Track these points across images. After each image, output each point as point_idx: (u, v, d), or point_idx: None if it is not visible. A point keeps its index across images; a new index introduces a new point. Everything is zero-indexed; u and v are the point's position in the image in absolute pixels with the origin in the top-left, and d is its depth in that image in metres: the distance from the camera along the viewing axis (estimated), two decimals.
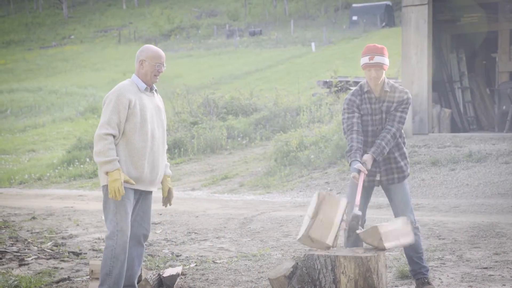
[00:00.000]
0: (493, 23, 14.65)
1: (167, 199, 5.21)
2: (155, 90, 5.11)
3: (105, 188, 4.81)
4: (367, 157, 5.07)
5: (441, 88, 14.82)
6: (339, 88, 17.51)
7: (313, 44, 37.79)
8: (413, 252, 5.18)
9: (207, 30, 51.84)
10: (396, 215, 5.25)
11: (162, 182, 5.13)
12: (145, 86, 4.97)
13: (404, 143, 5.34)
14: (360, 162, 5.03)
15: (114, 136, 4.75)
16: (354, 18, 43.97)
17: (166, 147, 5.11)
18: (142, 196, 5.01)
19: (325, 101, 17.14)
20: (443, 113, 14.20)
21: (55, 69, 40.91)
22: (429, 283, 5.18)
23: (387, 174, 5.23)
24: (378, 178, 5.21)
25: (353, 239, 4.95)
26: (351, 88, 17.29)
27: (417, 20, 13.23)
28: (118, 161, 4.74)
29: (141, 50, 5.04)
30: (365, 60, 5.08)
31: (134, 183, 4.80)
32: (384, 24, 42.21)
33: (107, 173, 4.70)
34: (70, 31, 58.55)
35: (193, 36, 50.31)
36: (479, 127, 15.05)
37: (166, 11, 60.33)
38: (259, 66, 33.77)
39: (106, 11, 66.35)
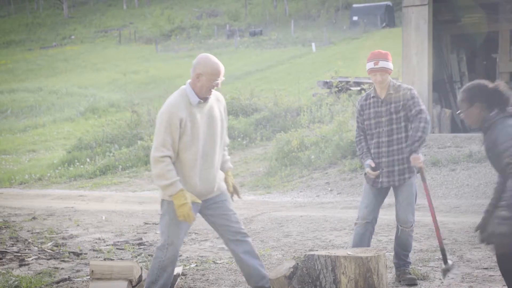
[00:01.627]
0: (494, 23, 14.65)
1: (234, 193, 5.04)
2: (211, 96, 4.81)
3: (164, 202, 4.77)
4: (411, 156, 5.23)
5: (441, 88, 14.82)
6: (340, 88, 17.51)
7: (313, 44, 37.80)
8: (402, 250, 5.53)
9: (207, 30, 51.85)
10: (397, 212, 5.48)
11: (225, 179, 4.98)
12: (198, 100, 4.67)
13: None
14: (371, 159, 5.41)
15: (170, 157, 4.61)
16: (355, 18, 43.98)
17: (226, 142, 4.95)
18: (208, 203, 4.85)
19: (325, 101, 17.14)
20: (444, 114, 14.20)
21: (56, 69, 40.92)
22: (410, 273, 5.50)
23: (388, 176, 5.42)
24: (380, 179, 5.40)
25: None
26: (351, 88, 17.30)
27: (418, 21, 13.23)
28: (181, 170, 4.65)
29: (198, 62, 4.69)
30: (370, 65, 5.37)
31: (199, 201, 4.72)
32: (384, 24, 42.21)
33: (170, 196, 4.61)
34: (71, 31, 58.57)
35: (193, 36, 50.32)
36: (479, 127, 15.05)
37: (166, 11, 60.35)
38: (260, 67, 33.77)
39: (106, 12, 66.37)
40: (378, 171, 5.40)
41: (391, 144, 5.38)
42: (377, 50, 5.51)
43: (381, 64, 5.31)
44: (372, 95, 5.46)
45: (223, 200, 4.89)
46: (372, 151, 5.45)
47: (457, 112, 4.44)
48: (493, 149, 4.11)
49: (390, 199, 5.76)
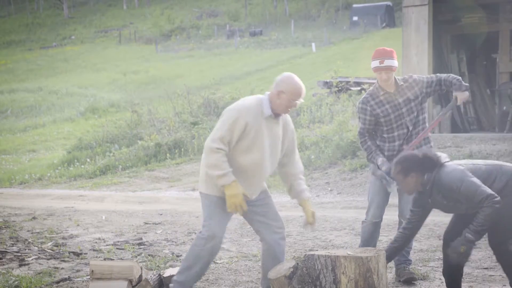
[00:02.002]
0: (494, 23, 14.65)
1: (310, 223, 5.02)
2: (283, 118, 4.90)
3: (203, 196, 4.85)
4: (464, 92, 5.39)
5: None
6: (340, 88, 17.51)
7: (313, 44, 37.82)
8: None
9: (207, 30, 51.87)
10: (400, 207, 5.55)
11: (303, 207, 5.00)
12: (270, 113, 4.75)
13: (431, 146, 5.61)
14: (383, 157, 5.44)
15: (225, 152, 4.68)
16: (355, 18, 43.99)
17: (301, 170, 5.01)
18: (251, 204, 4.88)
19: (325, 101, 17.14)
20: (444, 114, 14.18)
21: (56, 69, 40.93)
22: (409, 270, 5.49)
23: None
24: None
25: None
26: (351, 88, 17.29)
27: (418, 21, 13.23)
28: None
29: (282, 80, 4.78)
30: (375, 63, 5.40)
31: (250, 197, 4.78)
32: (384, 24, 42.22)
33: (223, 186, 4.65)
34: (71, 32, 58.58)
35: (193, 37, 50.34)
36: (479, 127, 15.05)
37: (166, 11, 60.37)
38: (260, 67, 33.78)
39: (106, 12, 66.39)
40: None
41: (417, 126, 5.48)
42: (382, 47, 5.52)
43: (387, 62, 5.34)
44: (381, 93, 5.47)
45: (266, 197, 4.98)
46: (396, 143, 5.46)
47: (395, 185, 4.72)
48: (452, 197, 4.56)
49: (390, 199, 5.75)
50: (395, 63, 5.40)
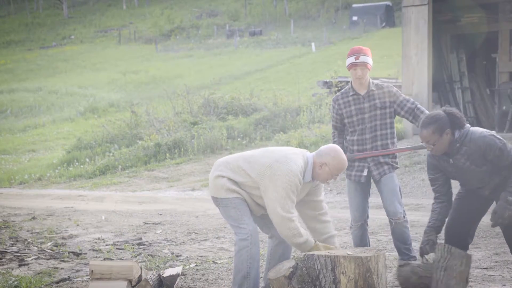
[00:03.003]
0: (493, 23, 14.65)
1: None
2: (319, 184, 4.98)
3: (225, 201, 4.84)
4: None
5: (441, 88, 14.82)
6: (339, 88, 17.50)
7: (313, 44, 37.80)
8: (401, 244, 5.48)
9: (207, 30, 51.84)
10: (385, 206, 5.47)
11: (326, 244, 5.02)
12: (310, 179, 4.82)
13: (395, 142, 5.58)
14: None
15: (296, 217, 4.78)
16: (354, 18, 43.97)
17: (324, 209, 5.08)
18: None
19: (325, 101, 17.14)
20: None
21: (55, 69, 40.91)
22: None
23: (377, 168, 5.40)
24: (365, 173, 5.41)
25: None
26: None
27: (417, 20, 13.22)
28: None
29: (329, 153, 4.78)
30: (351, 60, 5.39)
31: (331, 247, 4.84)
32: (384, 24, 42.21)
33: (305, 251, 4.75)
34: (70, 31, 58.55)
35: (193, 36, 50.31)
36: (479, 127, 15.05)
37: (166, 11, 60.34)
38: (259, 66, 33.76)
39: (106, 11, 66.35)
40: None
41: (374, 140, 5.40)
42: (357, 46, 5.53)
43: (362, 58, 5.31)
44: (351, 93, 5.44)
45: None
46: (355, 147, 5.45)
47: (425, 147, 4.70)
48: (477, 158, 4.63)
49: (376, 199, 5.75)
50: (370, 61, 5.37)
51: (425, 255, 4.79)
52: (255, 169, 4.74)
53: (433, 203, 5.00)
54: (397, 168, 5.58)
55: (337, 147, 4.84)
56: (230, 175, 4.80)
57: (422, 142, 4.75)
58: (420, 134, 4.67)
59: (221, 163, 4.94)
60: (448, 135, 4.64)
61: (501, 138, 4.67)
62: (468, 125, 4.72)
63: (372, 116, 5.38)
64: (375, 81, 5.52)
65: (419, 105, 5.47)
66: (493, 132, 4.76)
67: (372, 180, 5.55)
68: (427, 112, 5.40)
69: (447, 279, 4.49)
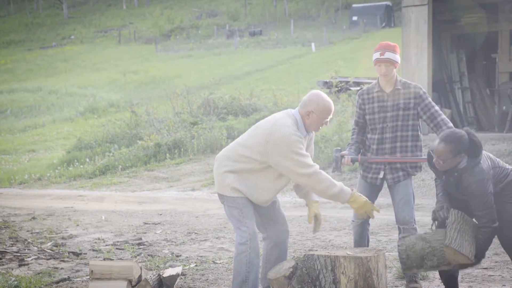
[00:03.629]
0: (493, 23, 14.64)
1: (315, 225, 5.03)
2: (313, 135, 4.95)
3: (226, 197, 4.81)
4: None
5: (441, 88, 14.81)
6: (339, 88, 17.51)
7: (313, 44, 37.81)
8: None
9: (207, 30, 51.85)
10: (396, 213, 5.33)
11: (308, 207, 5.02)
12: (306, 133, 4.79)
13: (418, 145, 5.42)
14: (351, 153, 5.36)
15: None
16: (354, 18, 43.99)
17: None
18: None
19: None
20: (443, 113, 14.19)
21: (55, 69, 40.92)
22: (416, 281, 5.29)
23: (392, 172, 5.28)
24: (381, 176, 5.28)
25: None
26: (351, 88, 17.30)
27: (417, 21, 13.22)
28: (256, 184, 4.73)
29: (311, 100, 4.75)
30: (376, 55, 5.22)
31: (379, 211, 4.84)
32: (384, 24, 42.22)
33: (345, 201, 4.68)
34: (70, 31, 58.55)
35: (193, 36, 50.32)
36: (479, 127, 15.04)
37: (166, 11, 60.35)
38: (259, 67, 33.77)
39: (106, 11, 66.36)
40: (348, 159, 5.31)
41: (394, 141, 5.25)
42: (386, 41, 5.36)
43: (387, 55, 5.15)
44: (376, 89, 5.29)
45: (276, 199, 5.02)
46: (374, 146, 5.30)
47: (434, 160, 4.61)
48: (463, 194, 4.63)
49: (388, 199, 5.74)
50: (396, 57, 5.20)
51: (435, 223, 4.80)
52: (256, 151, 4.67)
53: (435, 178, 4.99)
54: (414, 175, 5.42)
55: (318, 92, 4.81)
56: (237, 167, 4.72)
57: (433, 152, 4.65)
58: (436, 147, 4.55)
59: (223, 157, 4.84)
60: (460, 159, 4.57)
61: (490, 190, 4.56)
62: (480, 156, 4.62)
63: (394, 116, 5.23)
64: (403, 80, 5.34)
65: (443, 116, 5.31)
66: (491, 172, 4.65)
67: (385, 183, 5.43)
68: (450, 124, 5.25)
69: (461, 240, 4.51)
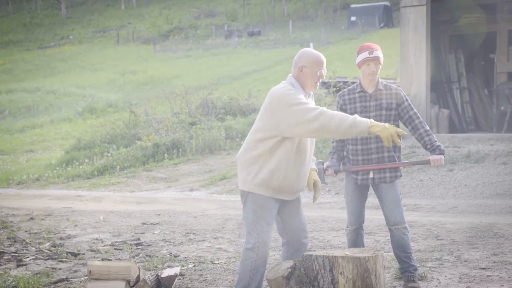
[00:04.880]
0: (492, 24, 14.67)
1: (315, 193, 4.83)
2: (312, 96, 4.70)
3: (248, 196, 4.55)
4: (440, 157, 5.17)
5: (439, 88, 14.83)
6: (338, 88, 17.52)
7: (311, 44, 37.80)
8: (401, 252, 5.33)
9: (205, 30, 51.86)
10: (386, 215, 5.34)
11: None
12: (305, 93, 4.57)
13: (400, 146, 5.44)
14: (333, 164, 5.37)
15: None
16: (353, 18, 44.02)
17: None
18: (285, 203, 4.73)
19: (323, 101, 17.15)
20: (442, 114, 14.21)
21: (54, 69, 40.91)
22: (414, 281, 5.29)
23: (380, 172, 5.31)
24: (371, 175, 5.30)
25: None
26: None
27: (416, 21, 13.24)
28: (279, 163, 4.43)
29: (300, 56, 4.61)
30: (365, 55, 5.24)
31: (405, 133, 4.47)
32: (382, 24, 42.25)
33: (364, 132, 4.33)
34: (69, 32, 58.54)
35: (191, 37, 50.33)
36: (477, 127, 15.07)
37: (164, 11, 60.35)
38: (258, 67, 33.77)
39: (104, 12, 66.35)
40: (331, 171, 5.30)
41: (380, 140, 5.24)
42: (367, 43, 5.40)
43: (376, 53, 5.20)
44: (358, 90, 5.33)
45: (298, 199, 4.80)
46: (359, 147, 5.31)
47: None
48: None
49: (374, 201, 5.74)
50: (382, 56, 5.27)
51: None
52: (266, 128, 4.49)
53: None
54: (401, 176, 5.41)
55: (306, 48, 4.71)
56: (256, 153, 4.51)
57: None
58: None
59: (242, 153, 4.61)
60: None
61: None
62: None
63: (378, 116, 5.25)
64: (384, 82, 5.39)
65: (421, 118, 5.32)
66: None
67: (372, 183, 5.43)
68: (427, 127, 5.27)
69: None
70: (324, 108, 4.46)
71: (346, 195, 5.48)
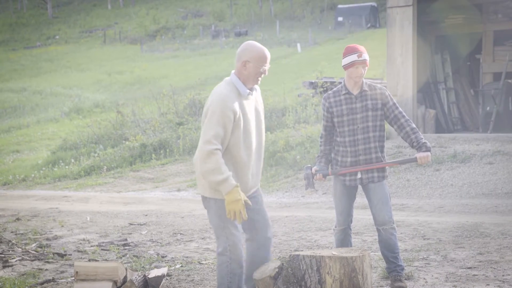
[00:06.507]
0: (477, 24, 14.76)
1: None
2: (255, 88, 4.63)
3: (211, 201, 4.52)
4: (426, 154, 5.19)
5: (426, 89, 14.90)
6: (325, 88, 17.55)
7: (298, 45, 37.86)
8: (388, 252, 5.34)
9: (192, 30, 51.76)
10: (374, 214, 5.34)
11: None
12: (247, 91, 4.49)
13: (384, 145, 5.47)
14: (322, 168, 5.35)
15: (220, 151, 4.35)
16: (340, 19, 44.11)
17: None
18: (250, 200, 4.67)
19: (310, 101, 17.18)
20: (428, 114, 14.28)
21: (40, 69, 40.67)
22: (401, 281, 5.31)
23: (367, 172, 5.32)
24: (359, 176, 5.31)
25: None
26: None
27: (402, 21, 13.29)
28: (232, 166, 4.42)
29: (244, 49, 4.49)
30: (353, 57, 5.21)
31: (251, 204, 4.52)
32: (369, 25, 42.37)
33: (225, 193, 4.34)
34: (55, 31, 58.23)
35: (178, 37, 50.21)
36: (463, 127, 15.15)
37: (151, 11, 60.17)
38: None
39: (91, 11, 66.06)
40: (319, 175, 5.30)
41: (367, 142, 5.27)
42: (353, 44, 5.38)
43: (364, 56, 5.19)
44: (343, 92, 5.33)
45: (259, 195, 4.80)
46: (348, 149, 5.30)
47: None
48: None
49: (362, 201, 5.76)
50: (368, 58, 5.26)
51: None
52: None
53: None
54: (387, 176, 5.43)
55: (250, 41, 4.60)
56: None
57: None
58: None
59: (196, 157, 4.60)
60: None
61: None
62: None
63: (364, 117, 5.26)
64: (368, 82, 5.40)
65: (407, 117, 5.33)
66: None
67: (360, 183, 5.43)
68: (413, 125, 5.28)
69: None
70: (216, 150, 4.34)
71: (334, 195, 5.48)
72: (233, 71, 4.59)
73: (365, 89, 5.31)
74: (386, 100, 5.32)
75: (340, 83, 17.54)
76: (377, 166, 5.30)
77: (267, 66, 4.51)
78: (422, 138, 5.27)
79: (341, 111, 5.31)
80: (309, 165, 5.42)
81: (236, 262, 4.58)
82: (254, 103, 4.62)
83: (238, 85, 4.51)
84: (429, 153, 5.21)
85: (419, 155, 5.20)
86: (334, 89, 5.47)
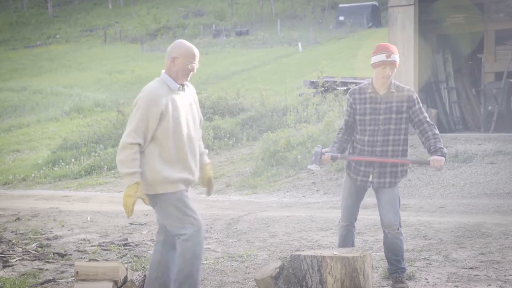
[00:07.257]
0: (479, 23, 14.73)
1: (209, 188, 4.99)
2: (187, 85, 4.80)
3: (157, 197, 4.67)
4: (440, 158, 5.10)
5: (427, 88, 14.87)
6: (326, 88, 17.52)
7: (299, 44, 37.85)
8: (392, 255, 5.32)
9: (193, 29, 51.77)
10: (381, 216, 5.31)
11: (201, 172, 4.89)
12: (177, 85, 4.66)
13: (407, 149, 5.37)
14: (332, 151, 5.29)
15: (139, 145, 4.53)
16: (341, 18, 44.10)
17: (200, 134, 4.89)
18: None
19: (311, 101, 17.15)
20: (429, 113, 14.25)
21: (40, 68, 40.67)
22: (402, 281, 5.29)
23: (379, 177, 5.24)
24: (370, 179, 5.24)
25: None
26: (337, 88, 17.31)
27: (403, 21, 13.26)
28: (140, 173, 4.54)
29: (173, 46, 4.67)
30: (381, 57, 5.11)
31: (148, 203, 4.69)
32: (370, 24, 42.35)
33: (127, 186, 4.54)
34: (56, 31, 58.24)
35: (179, 36, 50.16)
36: (465, 127, 15.12)
37: (152, 10, 60.19)
38: (246, 66, 33.74)
39: (91, 11, 66.07)
40: (328, 156, 5.24)
41: (386, 144, 5.18)
42: (385, 43, 5.29)
43: (393, 57, 5.08)
44: (369, 90, 5.21)
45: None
46: (365, 148, 5.21)
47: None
48: None
49: (375, 199, 5.73)
50: (398, 59, 5.15)
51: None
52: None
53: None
54: (404, 176, 5.36)
55: (180, 40, 4.77)
56: (145, 157, 4.61)
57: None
58: None
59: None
60: None
61: None
62: None
63: (387, 119, 5.16)
64: (397, 83, 5.27)
65: (430, 121, 5.25)
66: None
67: (371, 186, 5.37)
68: (436, 131, 5.20)
69: None
70: (135, 147, 4.52)
71: (343, 190, 5.44)
72: (163, 70, 4.75)
73: (392, 90, 5.19)
74: (412, 103, 5.20)
75: (341, 82, 17.57)
76: (388, 160, 5.22)
77: (195, 64, 4.68)
78: (441, 144, 5.16)
79: (364, 110, 5.21)
80: (320, 145, 5.39)
81: (200, 246, 4.65)
82: (188, 98, 4.76)
83: (168, 81, 4.66)
84: (443, 158, 5.09)
85: (433, 158, 5.10)
86: (361, 85, 5.35)
